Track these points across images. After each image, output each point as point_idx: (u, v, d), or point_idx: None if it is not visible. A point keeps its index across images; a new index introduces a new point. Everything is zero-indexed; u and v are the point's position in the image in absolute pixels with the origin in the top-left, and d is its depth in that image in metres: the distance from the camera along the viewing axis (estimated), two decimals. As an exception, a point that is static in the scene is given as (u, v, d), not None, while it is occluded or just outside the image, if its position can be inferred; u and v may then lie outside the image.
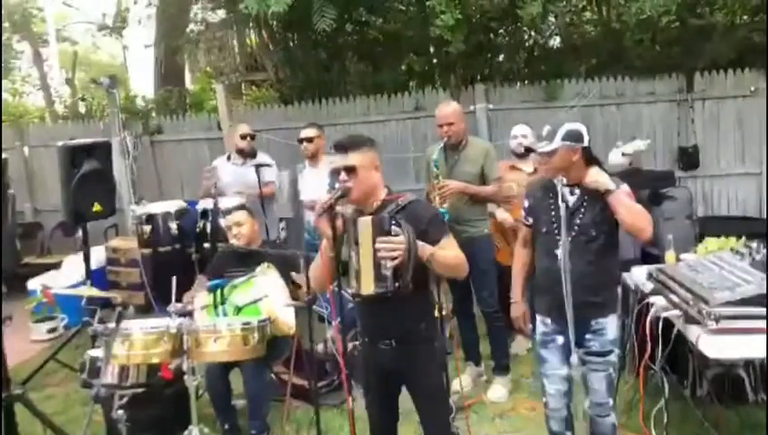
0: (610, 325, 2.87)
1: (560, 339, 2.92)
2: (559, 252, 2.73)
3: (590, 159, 2.89)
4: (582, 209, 2.86)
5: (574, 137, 2.81)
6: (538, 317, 3.02)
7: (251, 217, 4.15)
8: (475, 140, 4.49)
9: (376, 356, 2.66)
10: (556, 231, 2.80)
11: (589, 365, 2.89)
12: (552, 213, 2.86)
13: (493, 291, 4.25)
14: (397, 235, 2.41)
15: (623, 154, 5.73)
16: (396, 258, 2.39)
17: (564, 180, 2.78)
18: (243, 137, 5.58)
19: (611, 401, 2.94)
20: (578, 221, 2.85)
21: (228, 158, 5.72)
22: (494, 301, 4.26)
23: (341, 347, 3.38)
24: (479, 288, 4.23)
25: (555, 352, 2.95)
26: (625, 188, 2.84)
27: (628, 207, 2.78)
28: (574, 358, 2.77)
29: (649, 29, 7.03)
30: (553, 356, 2.96)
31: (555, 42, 8.48)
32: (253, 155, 5.57)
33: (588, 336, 2.86)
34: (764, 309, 2.66)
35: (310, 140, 5.03)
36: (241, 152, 5.57)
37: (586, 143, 2.85)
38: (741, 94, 6.76)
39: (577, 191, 2.88)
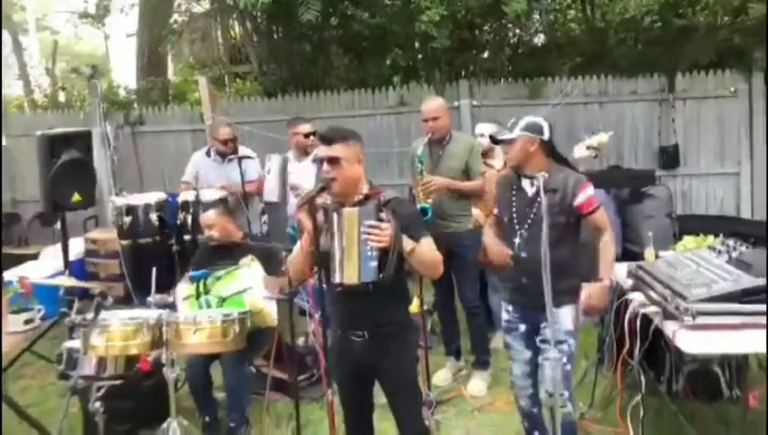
0: (565, 316, 2.92)
1: (522, 327, 3.06)
2: (517, 241, 2.96)
3: (552, 154, 3.02)
4: (539, 200, 2.86)
5: (534, 129, 2.95)
6: (503, 304, 3.16)
7: (222, 217, 4.06)
8: (460, 135, 4.50)
9: (348, 348, 2.66)
10: (515, 221, 3.00)
11: (542, 353, 2.97)
12: (513, 204, 3.03)
13: (474, 286, 4.27)
14: (383, 222, 2.43)
15: (587, 147, 5.78)
16: (382, 244, 2.40)
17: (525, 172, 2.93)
18: (224, 142, 5.36)
19: (567, 393, 2.93)
20: (534, 211, 2.94)
21: (208, 153, 5.53)
22: (476, 296, 4.28)
23: (322, 341, 3.37)
24: (461, 283, 4.25)
25: (518, 338, 3.09)
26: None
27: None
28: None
29: (632, 28, 7.10)
30: (516, 342, 3.10)
31: (539, 39, 8.53)
32: (234, 152, 5.47)
33: (543, 324, 2.93)
34: (739, 305, 2.71)
35: (314, 133, 4.98)
36: (223, 154, 5.40)
37: (546, 137, 2.97)
38: (721, 95, 6.86)
39: (536, 182, 2.92)
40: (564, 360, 2.89)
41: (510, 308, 3.11)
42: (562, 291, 2.87)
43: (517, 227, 3.00)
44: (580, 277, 3.05)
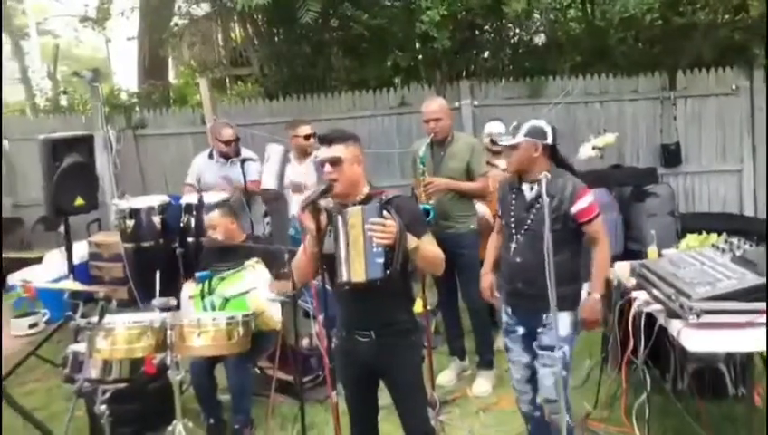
0: (561, 322, 2.85)
1: (520, 329, 3.05)
2: (513, 245, 2.95)
3: (555, 158, 2.98)
4: (537, 205, 2.87)
5: (537, 133, 2.89)
6: (502, 307, 3.14)
7: (226, 217, 4.09)
8: (461, 135, 4.50)
9: (355, 349, 2.67)
10: (512, 225, 2.97)
11: (539, 359, 2.95)
12: (512, 208, 2.99)
13: (477, 286, 4.26)
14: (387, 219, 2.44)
15: (593, 148, 5.78)
16: (387, 241, 2.40)
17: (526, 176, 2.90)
18: (227, 143, 5.41)
19: (563, 401, 2.84)
20: (531, 217, 2.91)
21: (210, 155, 5.56)
22: (479, 296, 4.26)
23: (326, 342, 3.38)
24: (465, 283, 4.24)
25: (517, 341, 3.07)
26: None
27: None
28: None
29: (633, 27, 7.09)
30: (515, 345, 3.08)
31: (540, 39, 8.52)
32: (237, 154, 5.49)
33: (540, 330, 2.93)
34: (744, 304, 2.70)
35: (314, 135, 4.99)
36: (225, 155, 5.44)
37: (550, 141, 2.92)
38: (723, 92, 6.86)
39: (535, 187, 2.90)
40: (558, 366, 2.83)
41: (509, 310, 3.10)
42: (558, 297, 2.76)
43: (514, 231, 2.98)
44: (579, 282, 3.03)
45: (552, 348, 2.84)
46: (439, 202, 4.08)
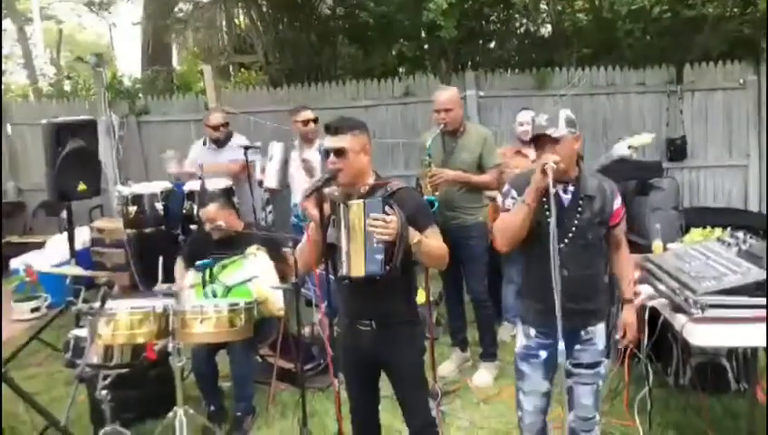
0: (600, 334, 2.68)
1: (543, 354, 2.65)
2: (556, 257, 2.38)
3: None
4: (579, 209, 2.58)
5: (574, 124, 2.56)
6: (521, 327, 2.75)
7: (224, 210, 4.03)
8: (474, 126, 4.41)
9: (356, 339, 2.65)
10: (552, 236, 2.39)
11: (577, 378, 2.68)
12: (547, 214, 2.46)
13: (482, 278, 4.24)
14: (389, 215, 2.41)
15: (629, 147, 5.75)
16: (388, 237, 2.38)
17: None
18: (215, 128, 5.48)
19: (598, 416, 2.77)
20: (575, 223, 2.57)
21: (205, 142, 5.65)
22: (484, 289, 4.25)
23: (328, 331, 3.37)
24: (469, 275, 4.23)
25: (537, 368, 2.68)
26: None
27: None
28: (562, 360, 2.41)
29: (641, 19, 7.02)
30: (534, 372, 2.69)
31: (547, 30, 8.46)
32: (228, 138, 5.51)
33: (577, 347, 2.64)
34: (749, 298, 2.68)
35: (315, 120, 4.97)
36: (216, 141, 5.51)
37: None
38: (730, 86, 6.81)
39: (571, 189, 2.59)
40: (599, 383, 2.71)
41: (532, 333, 2.67)
42: (598, 310, 2.69)
43: (556, 242, 2.42)
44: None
45: (593, 365, 2.66)
46: (447, 193, 4.04)
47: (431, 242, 2.55)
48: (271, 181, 5.10)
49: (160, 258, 3.86)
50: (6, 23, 15.80)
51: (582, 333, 2.64)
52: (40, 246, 6.56)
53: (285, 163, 5.08)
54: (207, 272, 3.83)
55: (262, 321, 3.68)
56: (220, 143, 5.51)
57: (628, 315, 2.77)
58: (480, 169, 4.11)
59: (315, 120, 4.95)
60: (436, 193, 3.97)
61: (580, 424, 2.74)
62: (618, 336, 2.83)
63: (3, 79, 14.51)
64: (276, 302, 3.74)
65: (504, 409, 3.84)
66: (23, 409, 3.20)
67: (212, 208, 3.99)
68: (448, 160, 4.07)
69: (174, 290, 3.37)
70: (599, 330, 2.67)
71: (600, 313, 2.70)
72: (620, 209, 2.69)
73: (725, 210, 6.73)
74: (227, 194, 5.06)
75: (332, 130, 2.57)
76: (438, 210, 3.89)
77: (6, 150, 8.07)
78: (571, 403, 2.70)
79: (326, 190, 2.57)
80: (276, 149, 5.10)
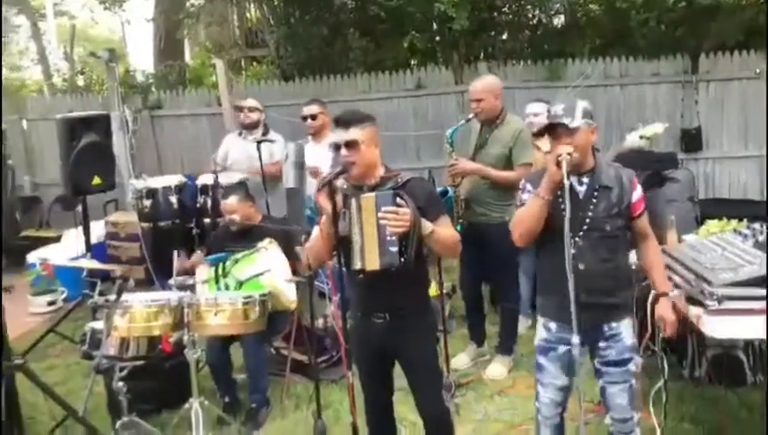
0: (626, 329, 2.59)
1: (561, 348, 2.58)
2: (571, 251, 2.36)
3: None
4: (594, 200, 2.53)
5: (590, 115, 2.52)
6: (541, 320, 2.70)
7: (244, 202, 4.05)
8: (513, 119, 4.11)
9: (369, 331, 2.66)
10: (566, 229, 2.37)
11: (607, 377, 2.60)
12: (561, 206, 2.43)
13: (514, 282, 4.18)
14: (401, 207, 2.41)
15: (641, 137, 5.68)
16: (401, 229, 2.38)
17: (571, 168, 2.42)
18: (250, 109, 5.37)
19: (636, 416, 2.64)
20: (589, 214, 2.52)
21: (240, 133, 5.56)
22: (517, 295, 4.22)
23: (341, 323, 3.38)
24: (501, 284, 4.17)
25: (555, 361, 2.63)
26: None
27: None
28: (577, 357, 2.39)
29: (655, 8, 6.96)
30: (552, 365, 2.64)
31: (560, 20, 8.40)
32: (255, 126, 5.43)
33: (602, 344, 2.57)
34: (765, 290, 2.65)
35: (314, 117, 4.94)
36: (248, 126, 5.39)
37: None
38: (746, 76, 6.73)
39: (586, 180, 2.55)
40: (632, 381, 2.59)
41: (552, 326, 2.62)
42: (621, 304, 2.61)
43: (571, 235, 2.39)
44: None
45: (620, 362, 2.56)
46: (473, 186, 3.94)
47: (443, 231, 2.56)
48: (288, 181, 5.12)
49: (174, 252, 3.88)
50: (21, 19, 15.92)
51: (606, 328, 2.57)
52: (56, 240, 6.63)
53: (300, 165, 5.07)
54: (221, 266, 3.85)
55: (274, 314, 3.70)
56: (251, 129, 5.39)
57: (664, 309, 2.67)
58: (508, 165, 3.92)
59: (314, 117, 4.90)
60: (456, 182, 3.91)
61: (618, 426, 2.65)
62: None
63: (19, 75, 14.67)
64: (289, 295, 3.76)
65: (518, 401, 3.83)
66: (42, 399, 3.24)
67: (233, 200, 4.02)
68: (477, 152, 3.96)
69: (186, 280, 3.39)
70: (624, 325, 2.59)
71: (624, 307, 2.62)
72: (641, 201, 2.61)
73: (741, 201, 6.67)
74: (245, 187, 5.07)
75: (343, 123, 2.58)
76: (467, 204, 3.85)
77: (22, 146, 8.15)
78: (607, 405, 2.64)
79: (337, 183, 2.58)
80: (291, 149, 5.11)
